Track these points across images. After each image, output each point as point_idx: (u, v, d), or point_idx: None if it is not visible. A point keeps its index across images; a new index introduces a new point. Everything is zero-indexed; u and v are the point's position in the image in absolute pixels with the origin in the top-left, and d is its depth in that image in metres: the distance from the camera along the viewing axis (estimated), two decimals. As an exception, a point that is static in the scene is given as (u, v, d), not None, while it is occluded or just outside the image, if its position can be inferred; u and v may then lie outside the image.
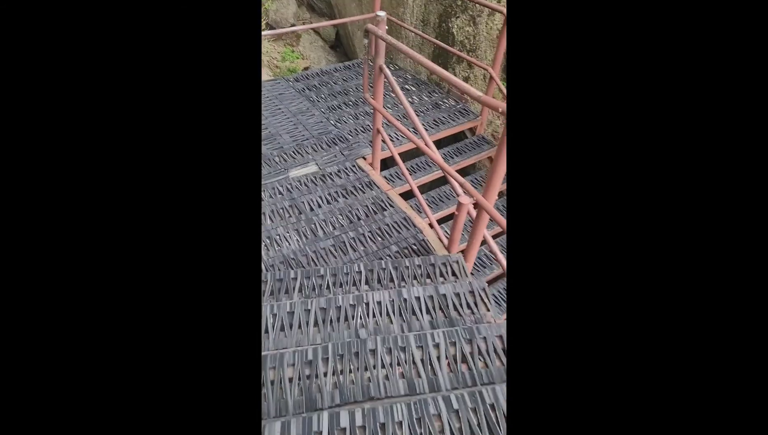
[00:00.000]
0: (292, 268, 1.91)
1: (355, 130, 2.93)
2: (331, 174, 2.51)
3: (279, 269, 1.89)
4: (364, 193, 2.37)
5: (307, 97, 3.30)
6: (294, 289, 1.60)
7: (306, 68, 5.53)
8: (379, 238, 2.08)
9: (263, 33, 4.74)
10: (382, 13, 1.82)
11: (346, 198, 2.33)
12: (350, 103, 3.24)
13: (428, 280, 1.66)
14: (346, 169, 2.54)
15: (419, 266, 1.70)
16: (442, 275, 1.68)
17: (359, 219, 2.19)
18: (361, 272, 1.66)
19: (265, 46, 5.40)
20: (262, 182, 2.45)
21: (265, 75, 4.85)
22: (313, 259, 1.96)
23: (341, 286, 1.63)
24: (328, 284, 1.62)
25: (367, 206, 2.27)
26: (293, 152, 2.69)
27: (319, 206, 2.27)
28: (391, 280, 1.65)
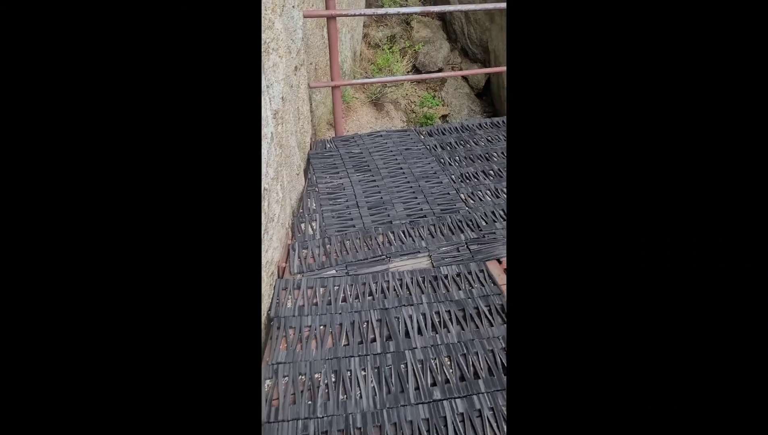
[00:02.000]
0: (353, 452, 1.17)
1: (493, 214, 2.14)
2: (446, 277, 1.74)
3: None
4: (492, 325, 1.54)
5: (437, 157, 2.63)
6: None
7: (444, 116, 4.96)
8: (506, 427, 1.22)
9: (408, 76, 4.33)
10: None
11: (463, 327, 1.53)
12: (491, 173, 2.47)
13: None
14: (471, 274, 1.76)
15: None
16: None
17: (477, 377, 1.36)
18: None
19: (407, 88, 5.00)
20: (355, 271, 1.80)
21: (399, 121, 4.38)
22: (389, 441, 1.19)
23: None
24: None
25: (493, 352, 1.43)
26: (403, 232, 2.01)
27: (420, 332, 1.52)
28: None
